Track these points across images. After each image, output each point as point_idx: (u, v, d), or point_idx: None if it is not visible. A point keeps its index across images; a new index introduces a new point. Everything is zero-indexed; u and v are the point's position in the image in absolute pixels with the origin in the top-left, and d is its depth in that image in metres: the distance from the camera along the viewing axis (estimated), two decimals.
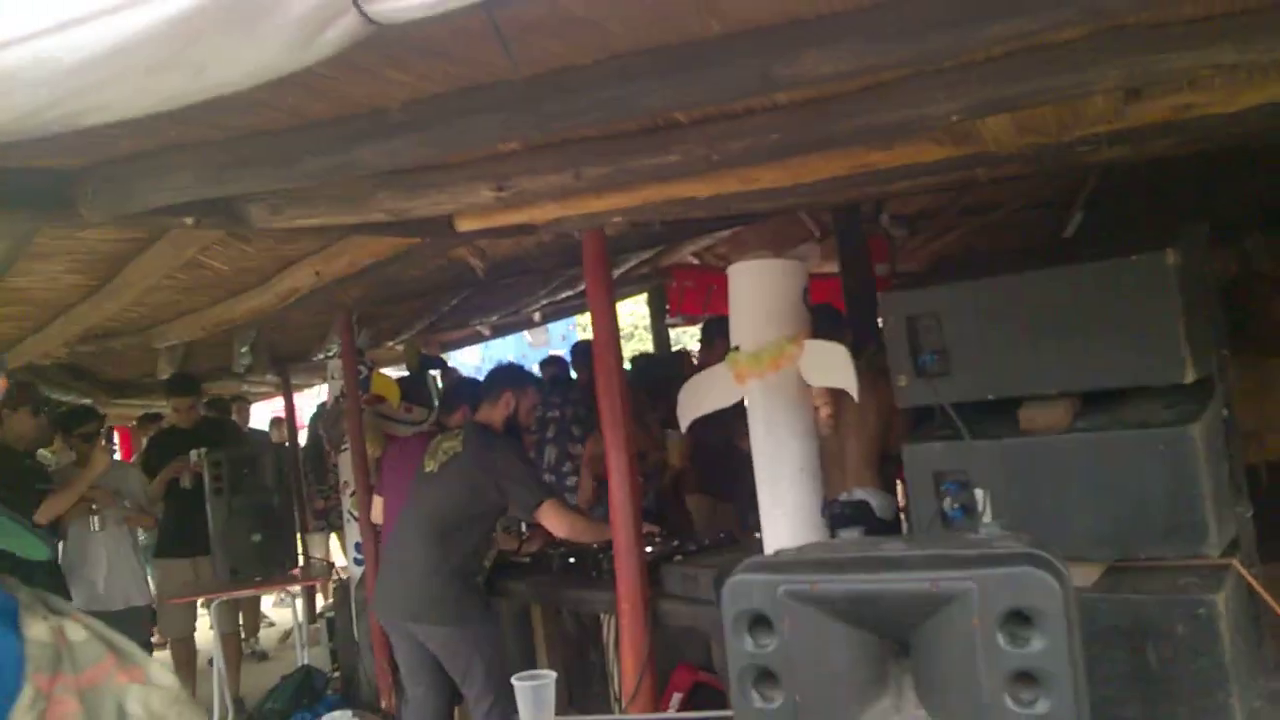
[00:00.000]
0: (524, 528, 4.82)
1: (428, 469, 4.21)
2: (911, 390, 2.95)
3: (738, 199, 3.18)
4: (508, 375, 4.41)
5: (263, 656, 8.01)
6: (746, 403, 3.37)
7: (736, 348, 3.37)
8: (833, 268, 6.66)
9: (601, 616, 4.27)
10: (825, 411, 3.69)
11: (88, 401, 7.05)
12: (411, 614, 4.04)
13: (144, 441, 7.77)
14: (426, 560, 3.99)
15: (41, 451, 7.03)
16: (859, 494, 4.25)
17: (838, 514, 3.78)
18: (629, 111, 1.95)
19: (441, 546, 4.00)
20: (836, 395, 3.66)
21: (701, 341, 6.05)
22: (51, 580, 5.16)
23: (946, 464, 2.84)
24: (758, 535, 4.28)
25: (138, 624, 5.60)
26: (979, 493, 2.78)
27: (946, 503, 2.86)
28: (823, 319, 3.49)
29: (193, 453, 6.12)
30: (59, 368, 6.40)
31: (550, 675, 2.62)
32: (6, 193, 2.25)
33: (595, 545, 4.12)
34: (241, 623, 8.25)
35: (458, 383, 5.78)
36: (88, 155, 2.23)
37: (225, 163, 2.18)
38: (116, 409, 8.46)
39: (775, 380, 3.28)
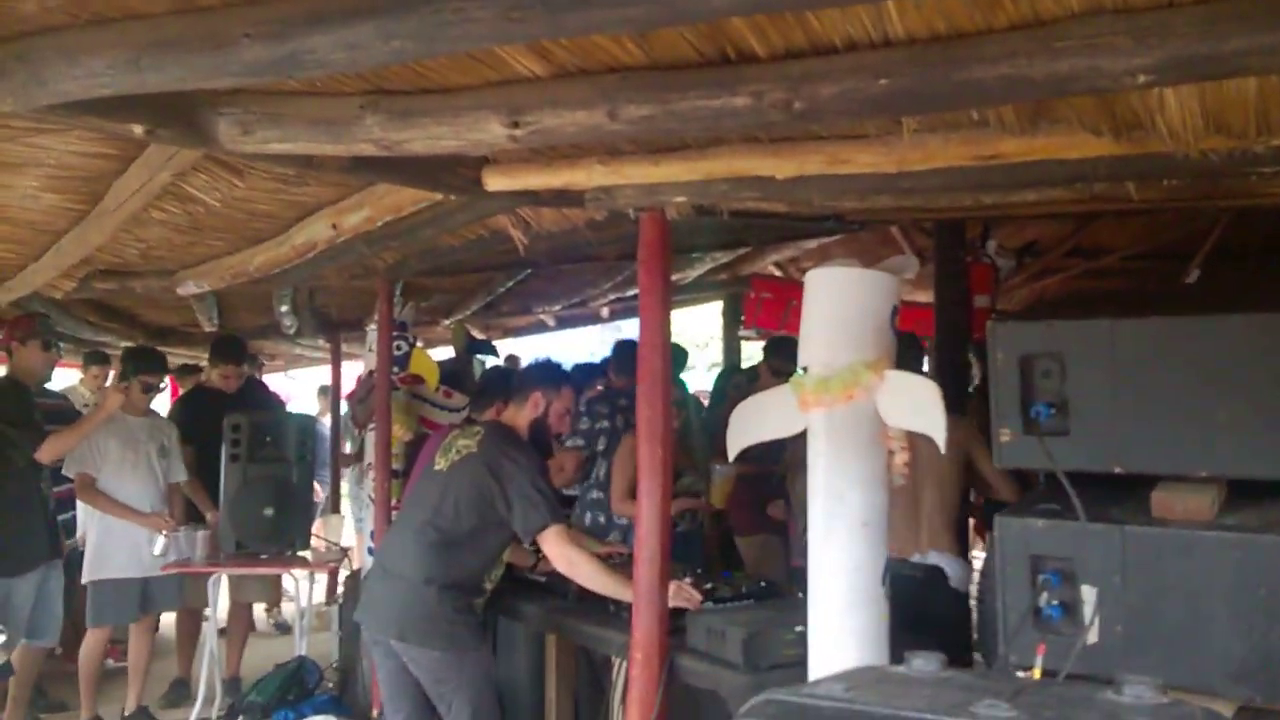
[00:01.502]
0: None
1: (437, 466, 3.71)
2: (1015, 448, 2.39)
3: (824, 187, 2.61)
4: (541, 373, 3.88)
5: (285, 629, 7.65)
6: (808, 436, 2.78)
7: (804, 369, 2.80)
8: (923, 296, 6.09)
9: (613, 659, 3.72)
10: (901, 458, 3.07)
11: (128, 343, 6.77)
12: (398, 631, 3.54)
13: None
14: (419, 571, 3.50)
15: (79, 389, 6.81)
16: (933, 557, 3.64)
17: (907, 577, 3.20)
18: (684, 10, 1.37)
19: (439, 557, 3.51)
20: (916, 440, 3.04)
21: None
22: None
23: (1048, 547, 2.30)
24: (801, 594, 3.73)
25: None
26: (1087, 590, 2.24)
27: (1043, 597, 2.29)
28: (903, 349, 2.89)
29: None
30: (85, 305, 6.09)
31: None
32: None
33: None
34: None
35: (494, 374, 5.26)
36: None
37: (144, 44, 1.70)
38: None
39: (845, 413, 2.70)
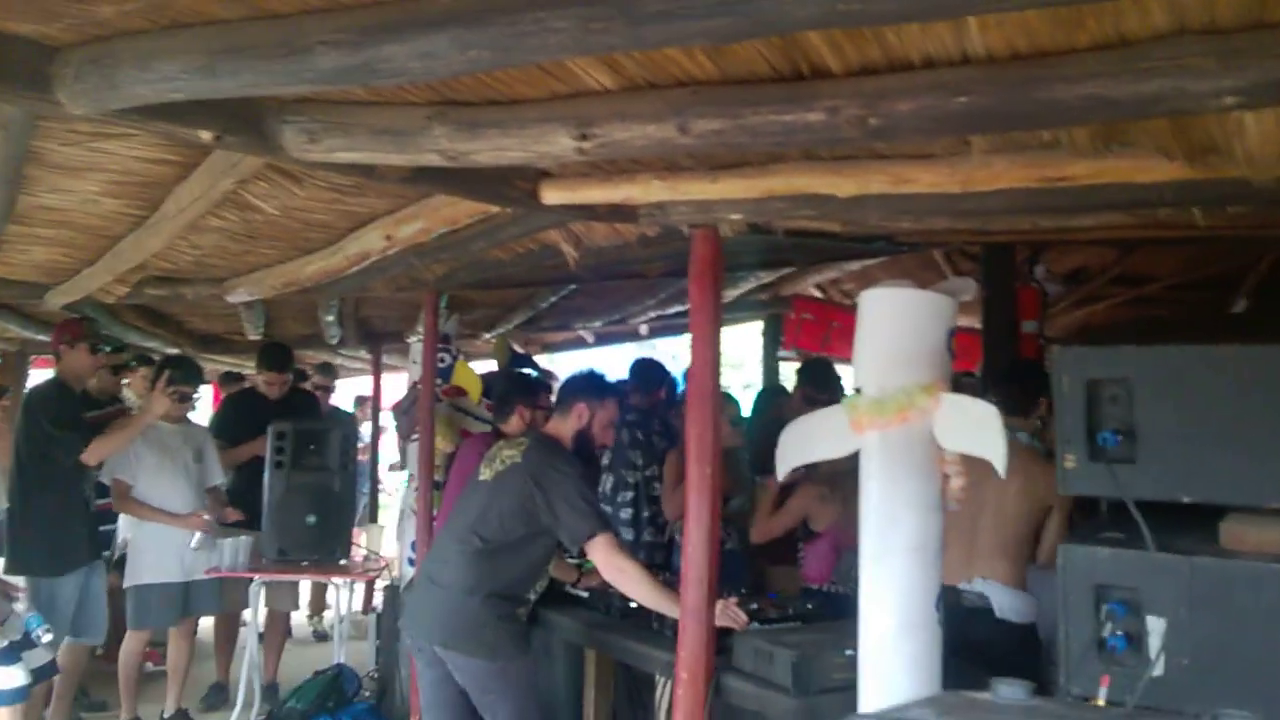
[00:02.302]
0: None
1: (482, 477, 3.72)
2: (1080, 475, 2.35)
3: (883, 207, 2.58)
4: (584, 384, 3.88)
5: (324, 637, 7.67)
6: (861, 457, 2.75)
7: (858, 390, 2.77)
8: (966, 320, 6.04)
9: (657, 677, 3.68)
10: (958, 483, 3.02)
11: (175, 351, 6.85)
12: (442, 639, 3.54)
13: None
14: (464, 579, 3.50)
15: (128, 394, 6.89)
16: (979, 585, 3.58)
17: (950, 605, 3.14)
18: (766, 23, 1.36)
19: (483, 567, 3.50)
20: (973, 464, 2.99)
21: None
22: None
23: (1113, 577, 2.25)
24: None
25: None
26: (1153, 622, 2.18)
27: (1107, 628, 2.24)
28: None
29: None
30: (134, 310, 6.16)
31: None
32: None
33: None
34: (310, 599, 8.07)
35: (509, 381, 5.27)
36: (65, 24, 1.78)
37: (219, 49, 1.71)
38: (207, 364, 8.30)
39: (899, 435, 2.67)
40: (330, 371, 8.12)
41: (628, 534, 5.08)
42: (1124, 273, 6.16)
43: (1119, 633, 2.19)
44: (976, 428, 2.55)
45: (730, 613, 3.33)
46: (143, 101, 1.96)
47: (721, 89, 1.88)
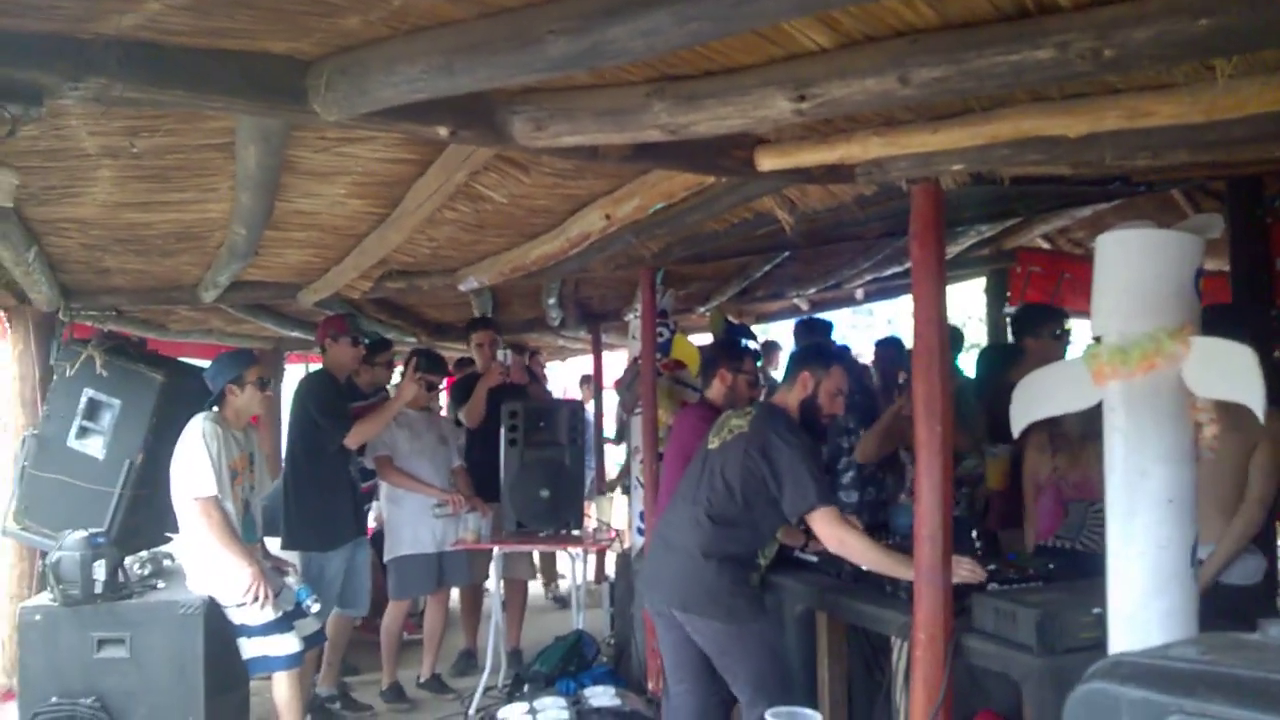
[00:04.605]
0: None
1: (711, 445, 3.79)
2: None
3: (1118, 144, 2.45)
4: (809, 353, 3.88)
5: (563, 604, 8.03)
6: (1104, 409, 2.64)
7: (1097, 339, 2.66)
8: (1213, 263, 5.60)
9: (893, 639, 3.66)
10: (1211, 430, 2.84)
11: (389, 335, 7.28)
12: (680, 602, 3.65)
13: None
14: (697, 545, 3.59)
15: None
16: (1201, 551, 3.34)
17: None
18: None
19: (714, 532, 3.59)
20: (1226, 411, 2.81)
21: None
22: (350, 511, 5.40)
23: None
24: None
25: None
26: None
27: None
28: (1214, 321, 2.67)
29: (500, 352, 6.22)
30: (375, 304, 6.59)
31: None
32: (239, 79, 2.02)
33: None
34: (541, 569, 8.45)
35: (713, 347, 5.30)
36: (316, 39, 1.94)
37: (455, 48, 1.82)
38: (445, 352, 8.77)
39: (1146, 384, 2.55)
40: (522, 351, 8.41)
41: (850, 497, 5.05)
42: None
43: None
44: (1233, 371, 2.40)
45: (967, 568, 3.27)
46: (388, 104, 2.12)
47: (943, 34, 1.84)
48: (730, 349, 4.91)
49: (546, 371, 9.14)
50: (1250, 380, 2.34)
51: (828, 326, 5.65)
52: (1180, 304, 2.57)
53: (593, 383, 9.17)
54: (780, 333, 10.31)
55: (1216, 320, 2.64)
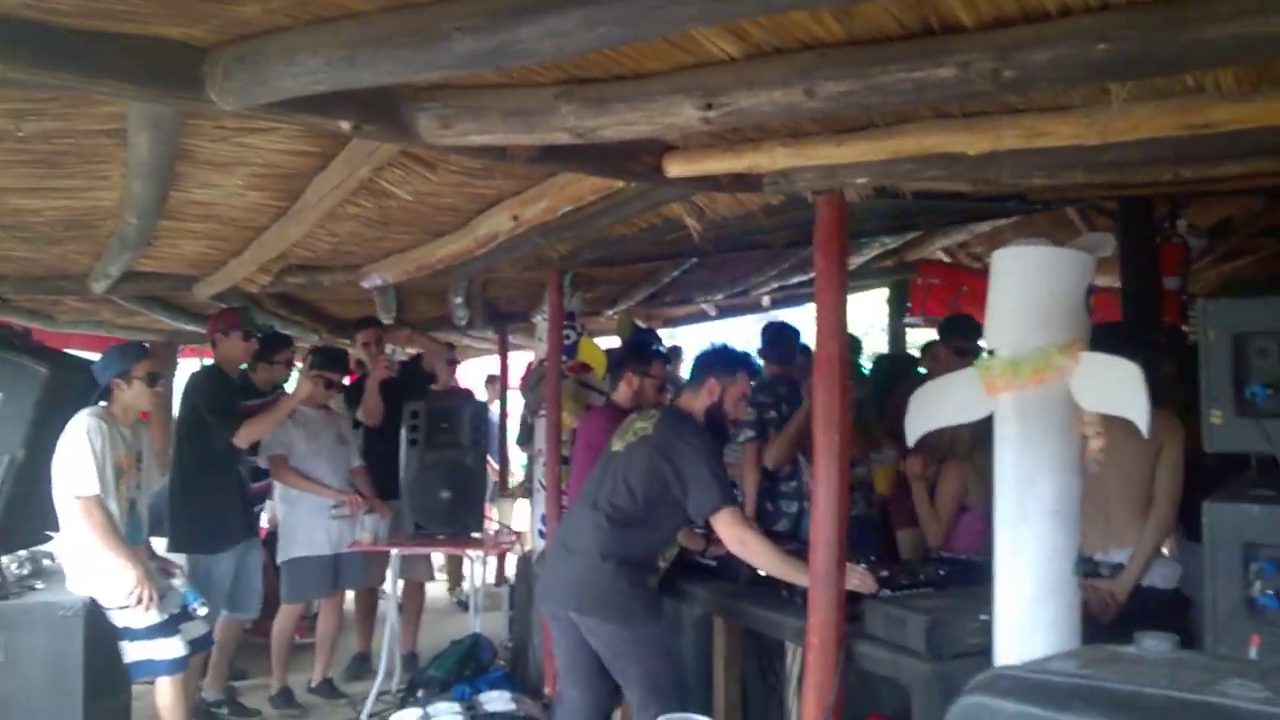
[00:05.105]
0: None
1: (614, 449, 3.79)
2: (1227, 431, 2.27)
3: (1016, 163, 2.52)
4: (715, 359, 3.89)
5: (467, 606, 7.92)
6: (995, 421, 2.71)
7: (990, 352, 2.72)
8: (1104, 280, 5.81)
9: (787, 644, 3.70)
10: (1097, 444, 2.93)
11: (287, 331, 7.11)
12: (576, 604, 3.63)
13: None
14: (596, 547, 3.58)
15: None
16: (1116, 556, 3.47)
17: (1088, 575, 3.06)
18: None
19: (615, 535, 3.58)
20: (1112, 425, 2.91)
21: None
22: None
23: (1263, 535, 2.24)
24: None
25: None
26: None
27: (1256, 586, 2.18)
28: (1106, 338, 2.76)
29: (389, 347, 6.18)
30: (275, 298, 6.43)
31: None
32: (132, 64, 1.94)
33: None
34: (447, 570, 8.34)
35: (620, 350, 5.29)
36: (212, 25, 1.87)
37: (359, 41, 1.78)
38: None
39: (1036, 397, 2.62)
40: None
41: (790, 507, 5.03)
42: (1272, 224, 5.82)
43: (1269, 591, 2.13)
44: (1118, 386, 2.48)
45: (860, 578, 3.33)
46: (288, 95, 2.05)
47: (849, 49, 1.86)
48: (638, 352, 4.91)
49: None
50: (1135, 395, 2.42)
51: (795, 332, 5.66)
52: (1071, 320, 2.65)
53: (498, 383, 9.09)
54: (687, 338, 10.38)
55: (1106, 338, 2.72)
